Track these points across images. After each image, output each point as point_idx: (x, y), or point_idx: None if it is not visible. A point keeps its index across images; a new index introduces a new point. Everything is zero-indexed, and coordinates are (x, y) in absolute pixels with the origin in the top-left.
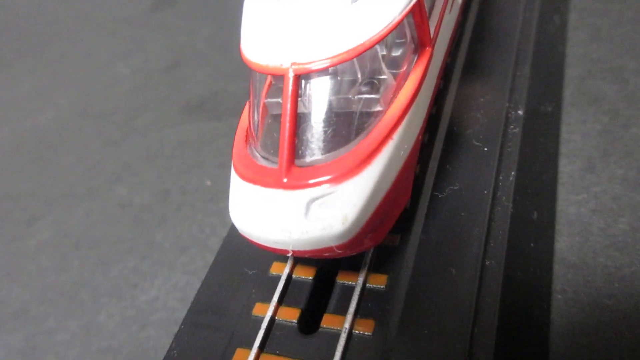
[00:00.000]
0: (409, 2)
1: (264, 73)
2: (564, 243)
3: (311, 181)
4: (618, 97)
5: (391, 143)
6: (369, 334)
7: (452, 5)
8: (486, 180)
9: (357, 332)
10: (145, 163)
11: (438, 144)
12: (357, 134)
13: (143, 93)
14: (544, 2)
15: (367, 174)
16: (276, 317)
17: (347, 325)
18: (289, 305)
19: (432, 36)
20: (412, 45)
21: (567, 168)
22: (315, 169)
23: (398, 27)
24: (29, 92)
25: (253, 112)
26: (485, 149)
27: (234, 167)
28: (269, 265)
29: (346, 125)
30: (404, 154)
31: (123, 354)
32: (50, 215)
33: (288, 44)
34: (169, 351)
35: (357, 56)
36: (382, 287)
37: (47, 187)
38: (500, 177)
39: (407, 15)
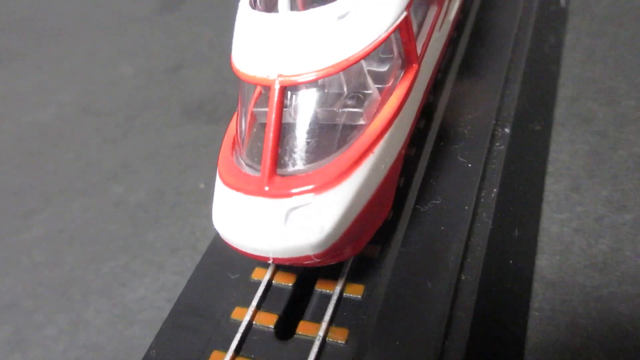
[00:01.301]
0: (396, 20)
1: (251, 83)
2: (545, 261)
3: (292, 190)
4: (608, 119)
5: (372, 156)
6: (342, 342)
7: (442, 24)
8: (468, 196)
9: (330, 340)
10: (143, 162)
11: (424, 158)
12: (339, 146)
13: (144, 93)
14: (540, 21)
15: (346, 186)
16: (254, 322)
17: (321, 333)
18: (268, 310)
19: (419, 53)
20: (399, 61)
21: (553, 187)
22: (296, 179)
23: (385, 43)
24: (32, 88)
25: (240, 121)
26: (470, 165)
27: (219, 174)
28: (250, 271)
29: (329, 137)
30: (385, 168)
31: (107, 351)
32: (47, 210)
33: (275, 56)
34: (148, 350)
35: (342, 70)
36: (358, 296)
37: (45, 183)
38: (482, 194)
39: (393, 32)
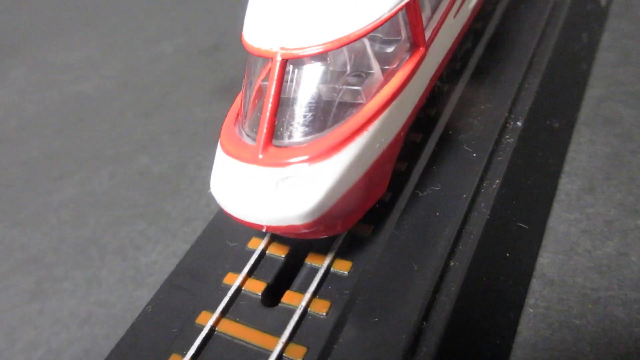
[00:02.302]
0: (401, 0)
1: (255, 55)
2: (547, 259)
3: (284, 160)
4: (634, 122)
5: (365, 134)
6: (323, 314)
7: (458, 11)
8: (468, 185)
9: (312, 311)
10: (170, 136)
11: (430, 144)
12: (335, 121)
13: (180, 71)
14: (573, 18)
15: (337, 160)
16: (243, 288)
17: (303, 303)
18: (258, 278)
19: (427, 38)
20: (407, 44)
21: (567, 186)
22: (289, 150)
23: (392, 24)
24: (79, 60)
25: (245, 93)
26: (475, 154)
27: (220, 142)
28: (248, 240)
29: (327, 112)
30: (379, 147)
31: (117, 308)
32: (78, 174)
33: (280, 29)
34: (145, 306)
35: (343, 46)
36: (345, 272)
37: (79, 149)
38: (484, 184)
39: (399, 12)
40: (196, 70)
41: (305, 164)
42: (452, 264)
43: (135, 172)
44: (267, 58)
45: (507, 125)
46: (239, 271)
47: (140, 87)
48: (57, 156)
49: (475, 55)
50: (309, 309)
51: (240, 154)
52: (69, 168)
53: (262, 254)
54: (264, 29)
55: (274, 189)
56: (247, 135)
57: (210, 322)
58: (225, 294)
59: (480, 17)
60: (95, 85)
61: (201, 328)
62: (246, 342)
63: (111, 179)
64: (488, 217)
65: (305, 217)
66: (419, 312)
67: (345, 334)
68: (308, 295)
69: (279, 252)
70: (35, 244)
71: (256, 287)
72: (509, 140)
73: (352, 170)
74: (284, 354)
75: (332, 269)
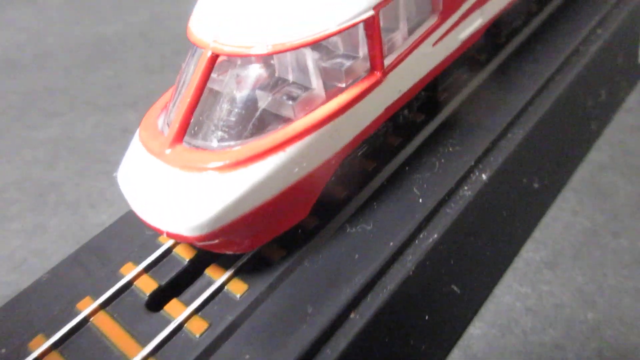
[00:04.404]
0: (354, 17)
1: (191, 41)
2: (479, 330)
3: (188, 162)
4: (627, 200)
5: (281, 155)
6: (197, 335)
7: (440, 39)
8: (401, 232)
9: (187, 328)
10: None
11: (380, 176)
12: (255, 133)
13: None
14: (592, 70)
15: (241, 175)
16: (134, 283)
17: (180, 318)
18: (153, 276)
19: (391, 61)
20: (366, 64)
21: (529, 254)
22: (197, 152)
23: (351, 38)
24: (110, 4)
25: (178, 81)
26: (421, 200)
27: (139, 125)
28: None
29: (248, 120)
30: (298, 172)
31: (50, 262)
32: (67, 116)
33: (219, 22)
34: (41, 275)
35: (276, 54)
36: (237, 295)
37: (78, 90)
38: (420, 236)
39: (359, 28)
40: None
41: (209, 172)
42: (351, 315)
43: (118, 127)
44: (200, 48)
45: (470, 175)
46: (138, 263)
47: (156, 41)
48: (56, 93)
49: (464, 91)
50: (184, 325)
51: (150, 143)
52: (61, 108)
53: (168, 251)
54: (206, 18)
55: (173, 191)
56: (166, 125)
57: (87, 311)
58: (113, 285)
59: (486, 49)
60: (116, 31)
61: (77, 314)
62: (112, 344)
63: (94, 128)
64: (411, 272)
65: (196, 229)
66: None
67: None
68: (189, 310)
69: (184, 254)
70: (2, 177)
71: (146, 286)
72: (466, 192)
73: (258, 190)
74: None
75: (225, 287)
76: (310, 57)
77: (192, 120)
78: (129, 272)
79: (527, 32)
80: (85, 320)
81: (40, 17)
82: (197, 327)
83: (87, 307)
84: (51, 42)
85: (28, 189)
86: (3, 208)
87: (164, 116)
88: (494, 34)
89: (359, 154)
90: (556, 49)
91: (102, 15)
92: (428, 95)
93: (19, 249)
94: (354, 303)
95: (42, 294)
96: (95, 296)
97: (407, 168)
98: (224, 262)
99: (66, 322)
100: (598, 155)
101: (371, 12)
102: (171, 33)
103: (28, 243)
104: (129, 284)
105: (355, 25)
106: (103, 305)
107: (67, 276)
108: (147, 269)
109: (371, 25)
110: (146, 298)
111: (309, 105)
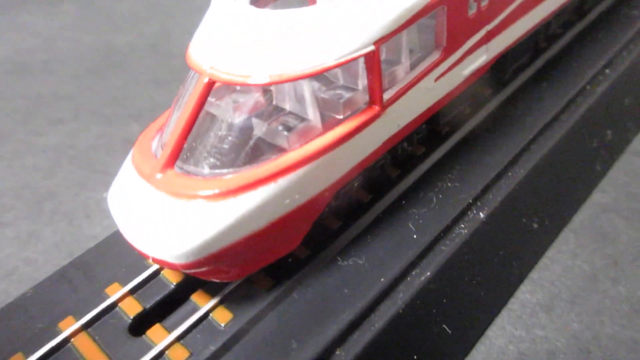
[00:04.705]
0: (353, 51)
1: (189, 65)
2: None
3: (177, 189)
4: (629, 246)
5: (273, 186)
6: None
7: (443, 74)
8: (394, 268)
9: (168, 357)
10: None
11: (376, 208)
12: (247, 162)
13: None
14: (599, 109)
15: (228, 206)
16: (118, 305)
17: (161, 346)
18: (138, 299)
19: (390, 96)
20: (365, 97)
21: (525, 296)
22: (188, 179)
23: (351, 70)
24: (124, 12)
25: (174, 104)
26: (415, 236)
27: (134, 146)
28: None
29: (241, 148)
30: (290, 203)
31: (40, 272)
32: (71, 124)
33: (218, 49)
34: (27, 290)
35: (272, 85)
36: (221, 325)
37: (83, 99)
38: (412, 273)
39: (359, 61)
40: None
41: (198, 200)
42: (337, 352)
43: (121, 138)
44: (197, 73)
45: (467, 213)
46: (124, 284)
47: (166, 54)
48: (62, 100)
49: (466, 126)
50: (165, 353)
51: (141, 166)
52: (66, 115)
53: (156, 273)
54: (205, 43)
55: (160, 217)
56: (160, 147)
57: (68, 332)
58: (97, 305)
59: (491, 84)
60: (128, 41)
61: (58, 334)
62: None
63: (97, 138)
64: (401, 310)
65: (181, 257)
66: None
67: None
68: (171, 337)
69: (171, 278)
70: (1, 181)
71: (131, 309)
72: (462, 230)
73: (247, 220)
74: None
75: (210, 315)
76: (307, 89)
77: (185, 145)
78: (115, 292)
79: (533, 68)
80: (66, 340)
81: (54, 23)
82: (178, 356)
83: (69, 327)
84: (62, 48)
85: (25, 196)
86: None
87: (159, 138)
88: (500, 69)
89: (355, 185)
90: (563, 88)
91: (115, 25)
92: (429, 129)
93: (10, 256)
94: (341, 340)
95: (26, 309)
96: (78, 316)
97: (403, 202)
98: (211, 288)
99: (47, 341)
100: (601, 197)
101: (372, 48)
102: (182, 46)
103: (21, 251)
104: (114, 305)
105: (355, 59)
106: (85, 326)
107: (53, 292)
108: (132, 291)
109: (371, 60)
110: (129, 321)
111: (304, 136)
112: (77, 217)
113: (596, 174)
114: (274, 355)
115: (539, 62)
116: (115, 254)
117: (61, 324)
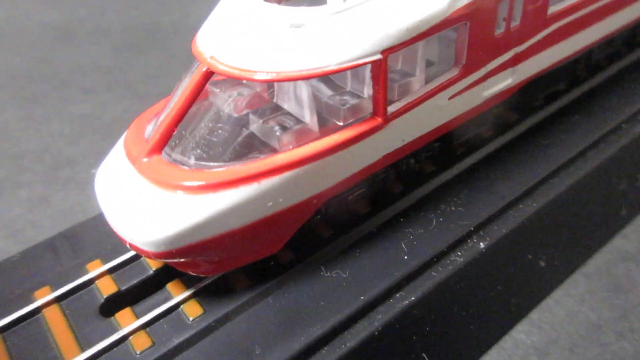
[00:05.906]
0: (358, 58)
1: (192, 53)
2: None
3: (158, 175)
4: None
5: (255, 186)
6: (137, 353)
7: (459, 93)
8: (378, 288)
9: (129, 342)
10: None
11: (371, 222)
12: (234, 158)
13: None
14: (633, 153)
15: (206, 201)
16: (95, 282)
17: (126, 330)
18: (115, 279)
19: (395, 109)
20: (370, 106)
21: (520, 335)
22: (171, 167)
23: (356, 77)
24: None
25: (174, 91)
26: (406, 257)
27: (128, 128)
28: None
29: (229, 143)
30: (273, 206)
31: (44, 235)
32: (103, 96)
33: (221, 40)
34: (15, 254)
35: (269, 82)
36: (190, 318)
37: (120, 73)
38: (395, 295)
39: (365, 69)
40: None
41: (177, 191)
42: None
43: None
44: (197, 61)
45: (467, 241)
46: (105, 262)
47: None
48: (99, 71)
49: (483, 149)
50: (129, 338)
51: (131, 148)
52: (99, 87)
53: (137, 256)
54: (210, 33)
55: (139, 202)
56: (153, 132)
57: (40, 302)
58: (75, 280)
59: (519, 108)
60: (172, 20)
61: (30, 302)
62: (54, 341)
63: (124, 112)
64: (377, 332)
65: (153, 245)
66: None
67: None
68: (137, 323)
69: (152, 263)
70: (25, 143)
71: (106, 288)
72: (457, 258)
73: (223, 218)
74: None
75: (180, 307)
76: (306, 91)
77: (175, 133)
78: (94, 269)
79: (568, 98)
80: (37, 310)
81: None
82: (140, 343)
83: (43, 296)
84: (109, 20)
85: (45, 160)
86: (16, 174)
87: (154, 122)
88: (530, 94)
89: (352, 195)
90: (596, 123)
91: (163, 3)
92: (441, 147)
93: (19, 217)
94: (307, 354)
95: (8, 274)
96: (55, 287)
97: (401, 219)
98: (187, 280)
99: (18, 308)
100: (623, 243)
101: (379, 56)
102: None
103: (30, 213)
104: (90, 281)
105: (359, 66)
106: (58, 299)
107: (38, 260)
108: (111, 271)
109: (377, 69)
110: (102, 300)
111: (298, 139)
112: (89, 187)
113: (620, 219)
114: (235, 358)
115: (575, 92)
116: (106, 231)
117: (37, 293)
